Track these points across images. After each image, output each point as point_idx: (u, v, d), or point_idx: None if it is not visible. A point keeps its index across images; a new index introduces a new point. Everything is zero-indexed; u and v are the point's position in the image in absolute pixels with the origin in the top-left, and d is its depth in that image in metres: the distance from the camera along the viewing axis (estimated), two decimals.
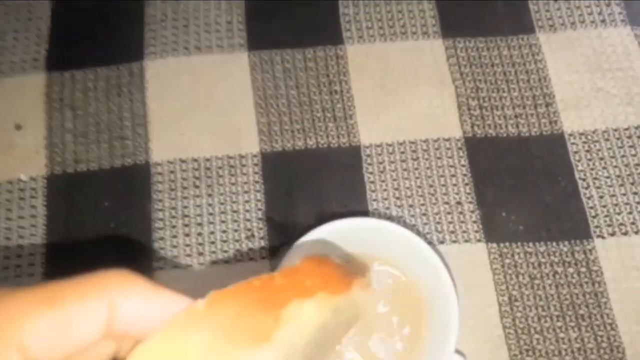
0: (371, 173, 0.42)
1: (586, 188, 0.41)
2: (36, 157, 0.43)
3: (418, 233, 0.40)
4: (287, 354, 0.21)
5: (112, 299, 0.19)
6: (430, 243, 0.40)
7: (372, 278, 0.35)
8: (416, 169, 0.42)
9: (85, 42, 0.46)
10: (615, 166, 0.42)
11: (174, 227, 0.41)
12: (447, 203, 0.41)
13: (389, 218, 0.41)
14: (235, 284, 0.21)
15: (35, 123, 0.44)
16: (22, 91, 0.44)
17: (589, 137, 0.43)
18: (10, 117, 0.44)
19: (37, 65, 0.45)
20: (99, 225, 0.41)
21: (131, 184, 0.42)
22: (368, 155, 0.43)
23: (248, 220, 0.41)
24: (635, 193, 0.41)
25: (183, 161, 0.42)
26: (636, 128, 0.43)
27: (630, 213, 0.41)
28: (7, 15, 0.47)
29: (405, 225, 0.41)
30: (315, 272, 0.24)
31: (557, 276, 0.39)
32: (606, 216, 0.41)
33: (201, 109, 0.44)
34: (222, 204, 0.42)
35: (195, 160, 0.43)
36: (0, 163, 0.43)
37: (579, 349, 0.38)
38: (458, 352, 0.36)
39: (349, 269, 0.26)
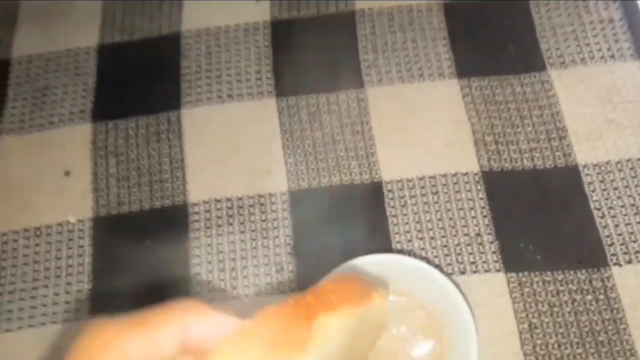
0: (393, 207, 0.45)
1: (601, 217, 0.43)
2: (83, 201, 0.46)
3: (439, 264, 0.43)
4: (320, 358, 0.25)
5: (184, 322, 0.24)
6: (451, 274, 0.42)
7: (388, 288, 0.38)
8: (436, 202, 0.45)
9: (127, 94, 0.50)
10: (630, 195, 0.43)
11: (209, 262, 0.44)
12: (466, 235, 0.43)
13: (411, 250, 0.43)
14: (274, 304, 0.26)
15: (82, 169, 0.48)
16: (71, 140, 0.49)
17: (603, 168, 0.44)
18: (60, 164, 0.48)
19: (83, 116, 0.50)
20: (141, 262, 0.44)
21: (170, 224, 0.45)
22: (389, 191, 0.45)
23: (278, 254, 0.44)
24: None
25: (218, 201, 0.46)
26: None
27: None
28: (57, 72, 0.52)
29: (426, 257, 0.43)
30: (337, 289, 0.28)
31: (576, 304, 0.41)
32: (622, 244, 0.42)
33: (234, 152, 0.47)
34: (253, 239, 0.44)
35: (228, 199, 0.46)
36: (52, 207, 0.46)
37: None
38: None
39: (367, 283, 0.30)
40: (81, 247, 0.45)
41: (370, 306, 0.29)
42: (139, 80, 0.51)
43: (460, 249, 0.43)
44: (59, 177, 0.48)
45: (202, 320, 0.25)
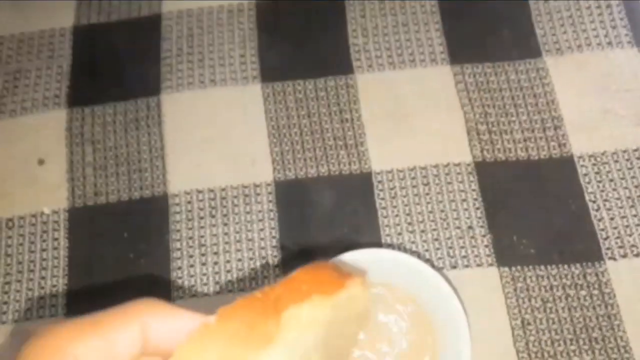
0: (383, 199, 0.43)
1: (597, 210, 0.42)
2: (58, 191, 0.44)
3: (430, 258, 0.41)
4: (294, 351, 0.24)
5: (144, 322, 0.23)
6: (442, 268, 0.41)
7: (368, 278, 0.36)
8: (427, 194, 0.43)
9: (104, 78, 0.48)
10: (626, 187, 0.42)
11: (191, 256, 0.42)
12: (458, 228, 0.42)
13: (401, 244, 0.42)
14: (240, 298, 0.25)
15: (57, 158, 0.45)
16: (45, 127, 0.46)
17: (599, 159, 0.43)
18: (34, 152, 0.46)
19: (58, 101, 0.47)
20: (119, 255, 0.42)
21: (150, 215, 0.43)
22: (379, 182, 0.43)
23: (263, 248, 0.42)
24: None
25: (200, 192, 0.44)
26: None
27: None
28: (30, 54, 0.49)
29: (417, 250, 0.41)
30: (308, 278, 0.27)
31: (570, 299, 0.40)
32: (617, 238, 0.41)
33: (217, 140, 0.45)
34: (237, 232, 0.43)
35: (211, 190, 0.44)
36: (24, 197, 0.44)
37: None
38: None
39: (343, 271, 0.29)
40: (56, 239, 0.43)
41: (346, 295, 0.27)
42: (117, 64, 0.48)
43: (452, 243, 0.42)
44: (32, 166, 0.45)
45: (163, 319, 0.24)
